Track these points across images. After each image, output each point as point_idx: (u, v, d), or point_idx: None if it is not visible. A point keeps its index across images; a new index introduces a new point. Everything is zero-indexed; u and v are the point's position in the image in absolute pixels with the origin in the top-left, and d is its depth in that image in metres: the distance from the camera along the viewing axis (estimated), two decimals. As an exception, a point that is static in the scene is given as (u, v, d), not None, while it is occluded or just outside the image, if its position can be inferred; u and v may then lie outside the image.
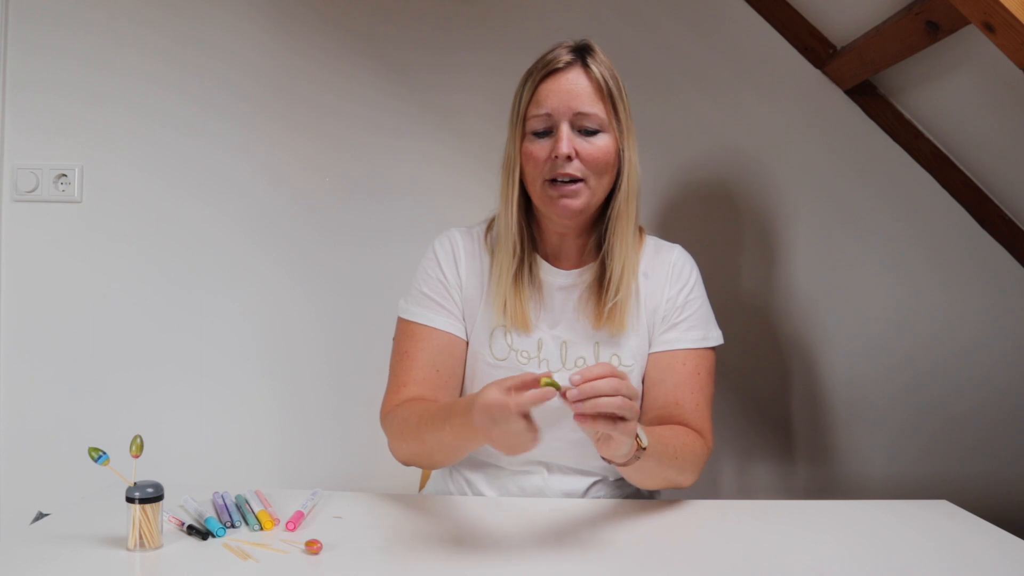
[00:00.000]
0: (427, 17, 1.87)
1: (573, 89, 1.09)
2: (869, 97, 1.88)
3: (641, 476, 1.05)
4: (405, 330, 1.19)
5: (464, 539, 0.98)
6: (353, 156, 1.89)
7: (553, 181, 1.10)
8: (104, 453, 0.90)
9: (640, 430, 0.97)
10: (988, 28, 1.19)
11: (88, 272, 1.88)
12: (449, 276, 1.19)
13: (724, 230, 1.92)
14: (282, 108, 1.87)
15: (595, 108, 1.10)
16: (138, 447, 0.92)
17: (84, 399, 1.88)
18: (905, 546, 1.01)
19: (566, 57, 1.11)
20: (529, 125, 1.11)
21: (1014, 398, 1.94)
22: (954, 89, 1.71)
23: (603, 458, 0.98)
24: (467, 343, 1.20)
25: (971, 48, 1.53)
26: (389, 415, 1.14)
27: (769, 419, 1.95)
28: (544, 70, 1.11)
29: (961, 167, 1.88)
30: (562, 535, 0.98)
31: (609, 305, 1.14)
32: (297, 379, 1.91)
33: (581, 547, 0.94)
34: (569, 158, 1.08)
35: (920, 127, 1.88)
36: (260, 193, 1.88)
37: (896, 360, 1.94)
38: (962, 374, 1.94)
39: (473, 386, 1.19)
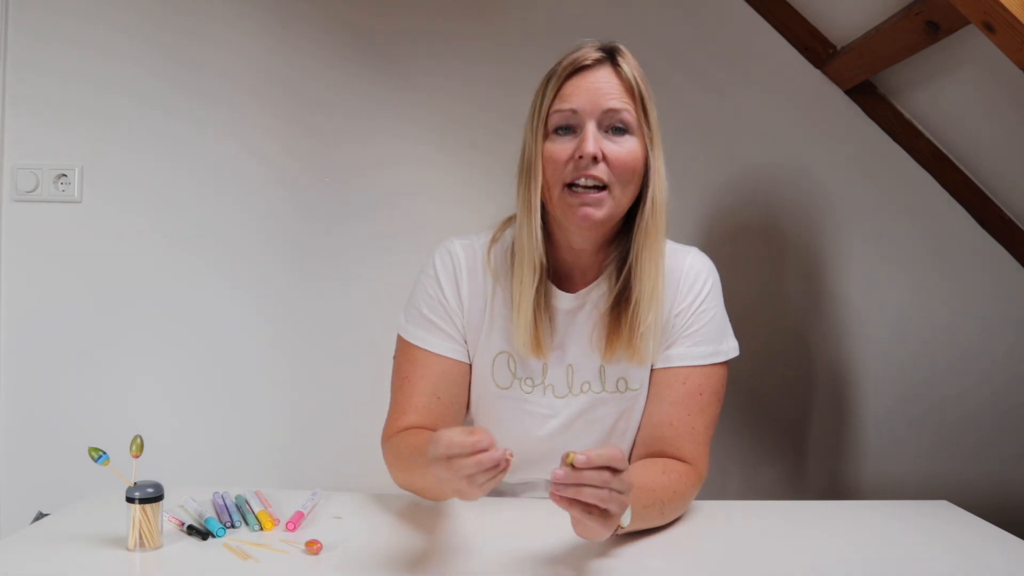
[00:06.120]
0: (431, 19, 1.86)
1: (602, 87, 1.01)
2: (869, 97, 1.88)
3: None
4: (405, 352, 1.13)
5: (464, 539, 0.98)
6: (356, 157, 1.88)
7: (573, 187, 1.01)
8: (104, 453, 0.90)
9: (627, 512, 0.88)
10: (988, 28, 1.19)
11: (88, 272, 1.88)
12: (449, 297, 1.12)
13: (719, 229, 1.91)
14: (282, 110, 1.87)
15: (625, 104, 1.02)
16: (138, 447, 0.92)
17: (84, 399, 1.88)
18: (905, 546, 1.01)
19: (595, 55, 1.03)
20: (552, 120, 1.03)
21: (1013, 398, 1.94)
22: (954, 89, 1.71)
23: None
24: (470, 365, 1.14)
25: (971, 48, 1.53)
26: (387, 442, 1.10)
27: (771, 421, 1.95)
28: (571, 67, 1.03)
29: (961, 167, 1.88)
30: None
31: (640, 332, 1.05)
32: (297, 379, 1.90)
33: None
34: (595, 160, 0.99)
35: (920, 127, 1.87)
36: (259, 195, 1.88)
37: (896, 360, 1.93)
38: (962, 375, 1.94)
39: (479, 413, 1.15)
